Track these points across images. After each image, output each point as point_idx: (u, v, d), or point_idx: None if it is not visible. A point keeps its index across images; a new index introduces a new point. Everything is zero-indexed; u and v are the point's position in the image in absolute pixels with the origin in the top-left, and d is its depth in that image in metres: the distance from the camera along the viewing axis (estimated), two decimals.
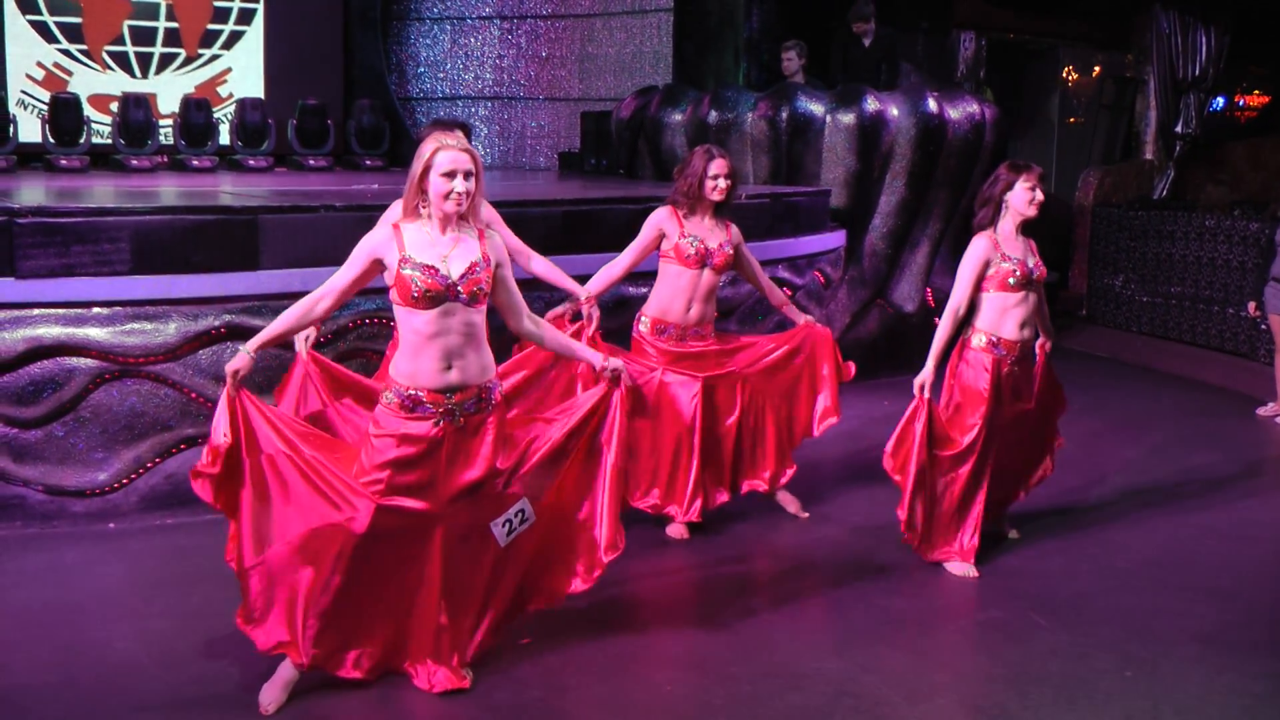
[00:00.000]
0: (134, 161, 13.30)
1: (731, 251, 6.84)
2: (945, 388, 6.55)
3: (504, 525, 4.95)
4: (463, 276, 4.65)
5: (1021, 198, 6.35)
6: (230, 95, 15.02)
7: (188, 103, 14.18)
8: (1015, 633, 5.71)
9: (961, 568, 6.41)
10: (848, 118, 10.92)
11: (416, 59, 15.86)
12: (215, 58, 15.05)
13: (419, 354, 4.70)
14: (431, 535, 4.84)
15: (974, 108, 11.59)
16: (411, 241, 4.68)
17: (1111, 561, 6.71)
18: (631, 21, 14.70)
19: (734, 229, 6.93)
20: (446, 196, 4.61)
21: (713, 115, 11.31)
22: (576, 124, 14.53)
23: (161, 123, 14.04)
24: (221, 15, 15.01)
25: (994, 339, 6.39)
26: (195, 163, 13.64)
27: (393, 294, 4.69)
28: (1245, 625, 5.92)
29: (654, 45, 14.42)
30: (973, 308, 6.46)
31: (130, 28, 14.47)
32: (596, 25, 15.09)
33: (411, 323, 4.70)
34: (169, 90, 14.58)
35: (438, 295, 4.61)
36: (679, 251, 6.72)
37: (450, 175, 4.60)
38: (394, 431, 4.72)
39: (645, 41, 14.53)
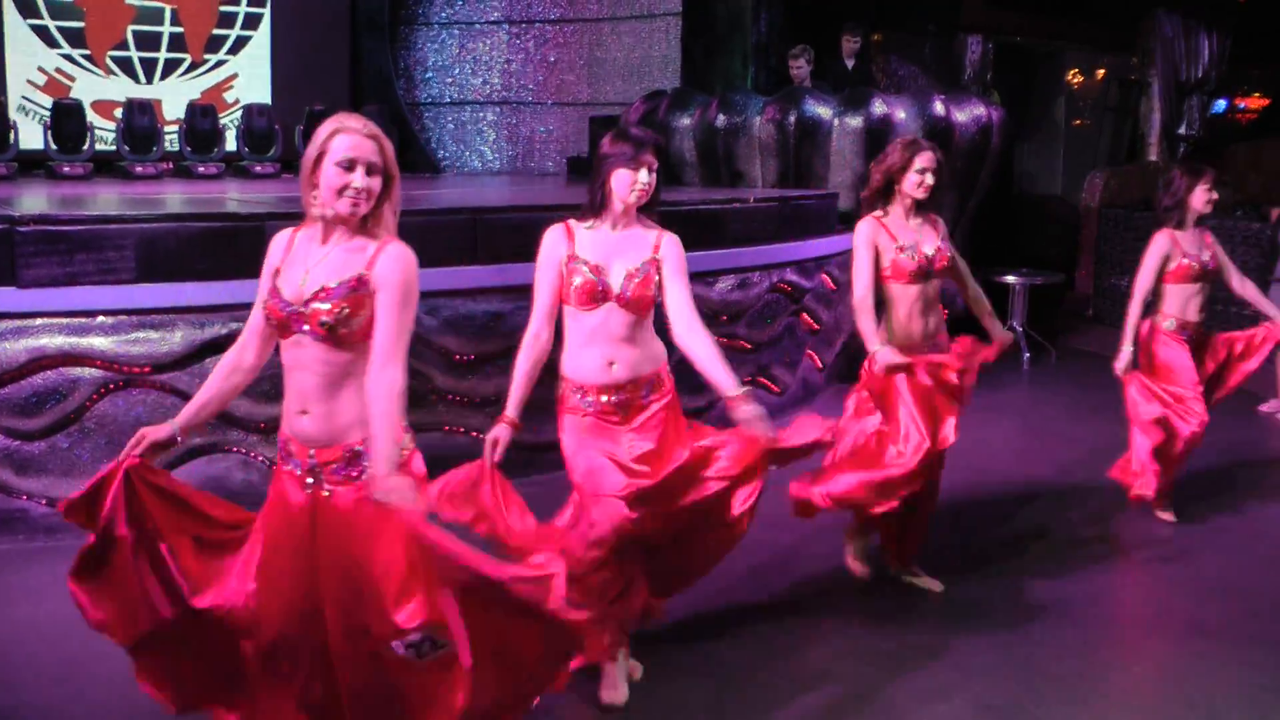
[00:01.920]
0: (138, 168, 13.32)
1: (949, 252, 6.02)
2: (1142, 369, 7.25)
3: (408, 650, 3.66)
4: (308, 302, 3.65)
5: (1200, 198, 7.06)
6: (236, 101, 15.03)
7: (193, 109, 14.19)
8: (1025, 631, 5.69)
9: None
10: (855, 121, 10.90)
11: (424, 64, 15.86)
12: (221, 63, 15.06)
13: (284, 390, 3.80)
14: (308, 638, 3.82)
15: (981, 110, 11.57)
16: (295, 251, 3.80)
17: (1117, 559, 6.77)
18: (640, 26, 14.70)
19: (941, 224, 6.10)
20: (340, 192, 3.62)
21: (721, 119, 11.29)
22: (585, 129, 14.53)
23: (166, 129, 14.07)
24: (227, 20, 15.02)
25: (1182, 322, 7.19)
26: (201, 169, 13.66)
27: None
28: (1250, 620, 5.92)
29: (662, 49, 14.42)
30: (1158, 297, 7.27)
31: (134, 33, 14.48)
32: (605, 30, 15.09)
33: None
34: (174, 96, 14.60)
35: (281, 323, 3.70)
36: (899, 269, 5.89)
37: (348, 166, 3.63)
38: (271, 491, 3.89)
39: (653, 46, 14.53)
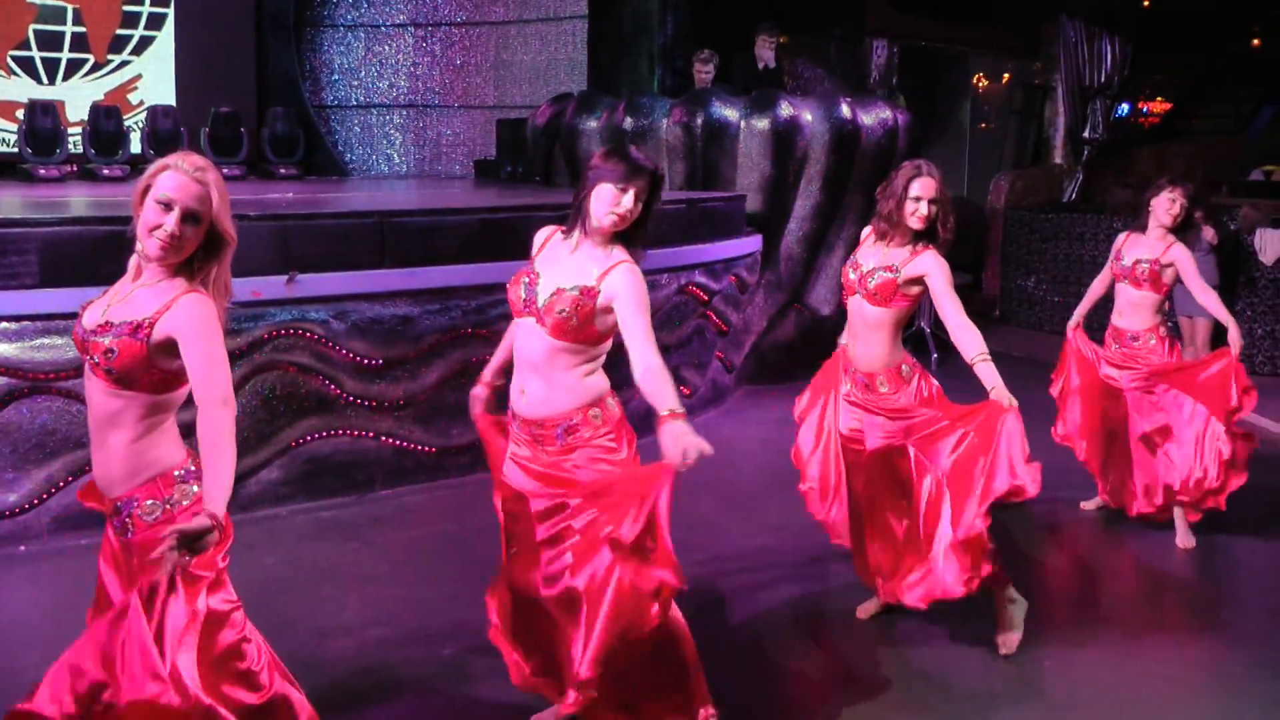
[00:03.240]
0: (42, 171, 13.12)
1: (893, 279, 5.51)
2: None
3: None
4: (93, 332, 3.50)
5: (1161, 205, 6.99)
6: (141, 102, 14.84)
7: (97, 110, 14.00)
8: (932, 630, 5.76)
9: None
10: (762, 123, 10.96)
11: (330, 66, 15.75)
12: (125, 64, 14.86)
13: None
14: None
15: (887, 113, 11.70)
16: (124, 278, 3.66)
17: (1021, 556, 6.80)
18: (546, 29, 14.70)
19: (925, 257, 5.51)
20: (151, 231, 3.46)
21: (628, 122, 11.32)
22: (492, 131, 14.51)
23: (70, 131, 13.86)
24: (131, 20, 14.82)
25: (1109, 322, 7.25)
26: (106, 172, 13.49)
27: None
28: (1154, 615, 6.11)
29: (569, 52, 14.43)
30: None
31: (36, 32, 14.24)
32: (511, 32, 15.08)
33: None
34: (77, 97, 14.38)
35: (79, 347, 3.56)
36: (844, 281, 5.77)
37: (166, 206, 3.45)
38: None
39: (560, 49, 14.54)
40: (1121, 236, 7.22)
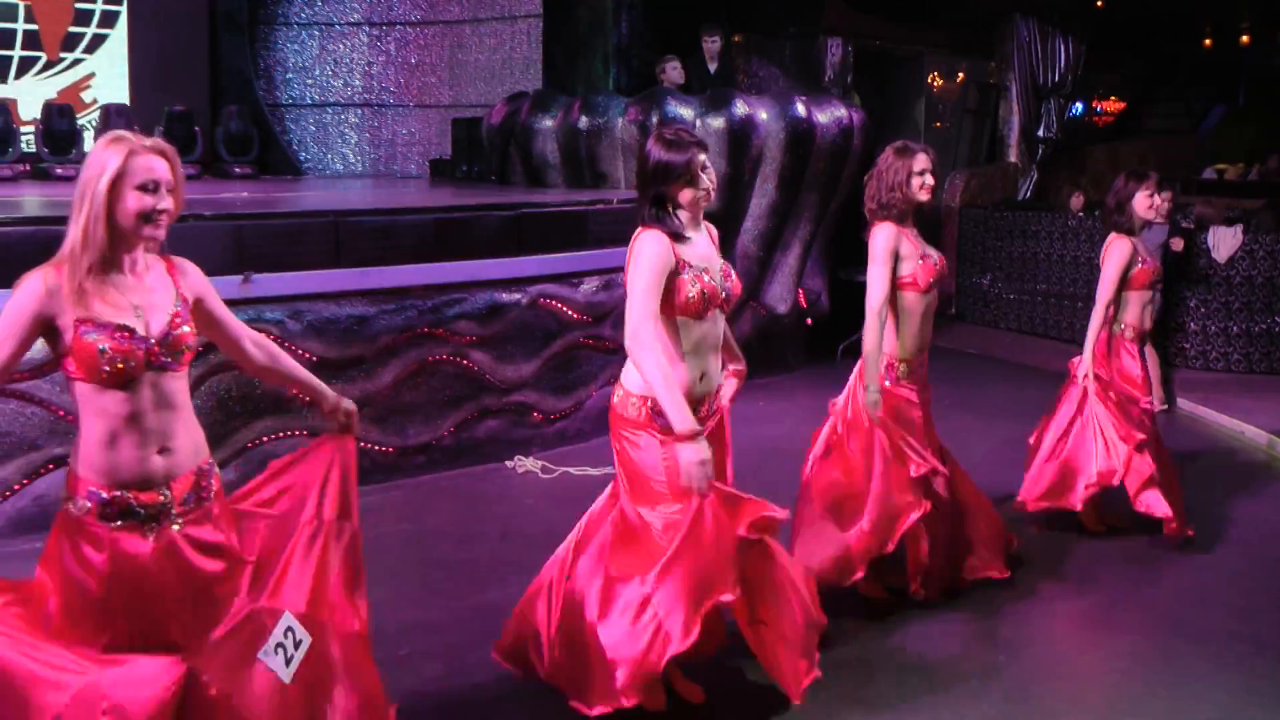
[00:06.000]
0: None
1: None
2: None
3: (276, 651, 3.72)
4: (167, 333, 3.51)
5: (1141, 203, 6.94)
6: (94, 101, 14.72)
7: (50, 109, 13.88)
8: (889, 621, 5.80)
9: None
10: (717, 122, 10.98)
11: (285, 65, 15.66)
12: (78, 62, 14.74)
13: (117, 440, 3.48)
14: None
15: (842, 112, 11.74)
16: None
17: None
18: (501, 28, 14.67)
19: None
20: (149, 217, 3.44)
21: (583, 121, 11.32)
22: (447, 131, 14.48)
23: (22, 129, 13.74)
24: (83, 18, 14.70)
25: (1140, 331, 7.08)
26: (59, 171, 13.36)
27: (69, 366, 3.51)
28: (1107, 608, 6.15)
29: (524, 51, 14.40)
30: (1118, 305, 7.04)
31: None
32: (466, 32, 15.03)
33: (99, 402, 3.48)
34: (30, 95, 14.25)
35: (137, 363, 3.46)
36: (920, 277, 5.83)
37: (152, 188, 3.45)
38: (94, 556, 3.47)
39: (515, 48, 14.51)
40: (1130, 247, 6.95)
